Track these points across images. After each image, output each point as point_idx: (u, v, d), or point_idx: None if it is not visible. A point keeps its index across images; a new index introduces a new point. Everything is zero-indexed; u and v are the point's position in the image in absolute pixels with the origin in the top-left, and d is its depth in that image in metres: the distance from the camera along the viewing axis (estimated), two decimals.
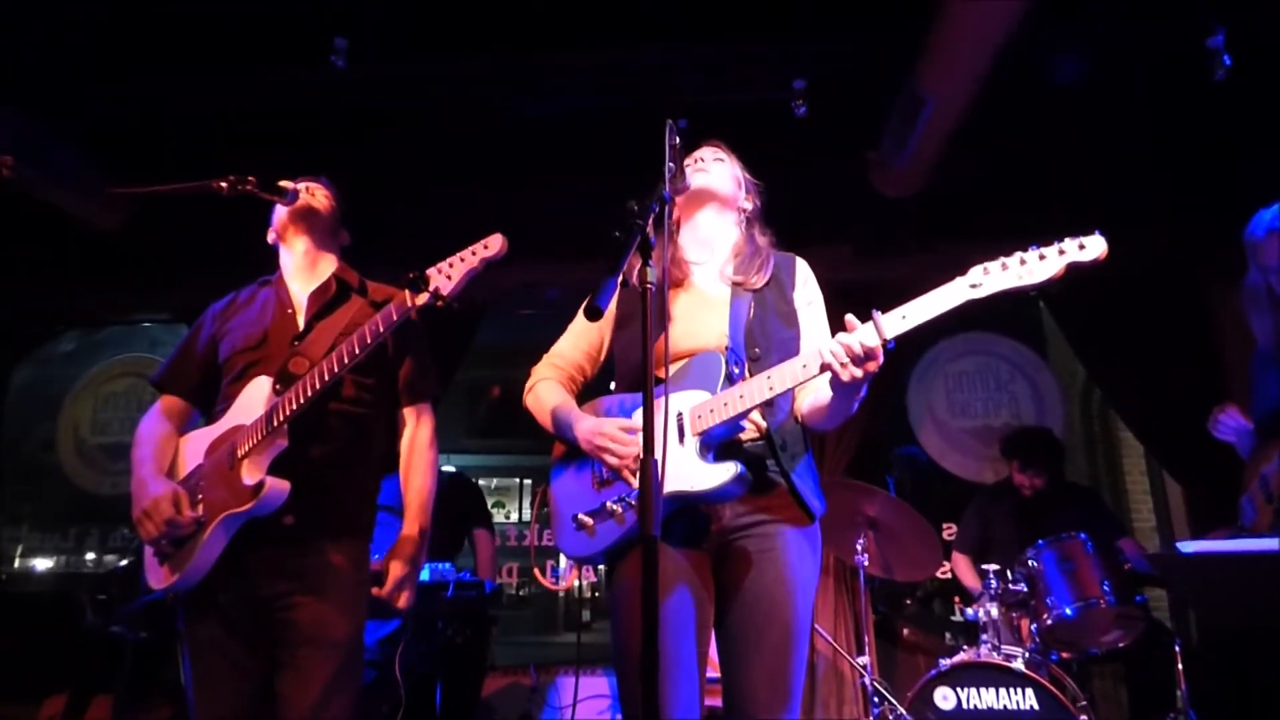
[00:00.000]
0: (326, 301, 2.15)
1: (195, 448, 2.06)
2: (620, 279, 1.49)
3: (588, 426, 1.85)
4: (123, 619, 3.52)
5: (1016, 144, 3.82)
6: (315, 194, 2.21)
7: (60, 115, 3.69)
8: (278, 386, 1.97)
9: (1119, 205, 4.13)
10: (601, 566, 1.93)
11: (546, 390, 2.03)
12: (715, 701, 1.92)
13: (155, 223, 4.26)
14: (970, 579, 4.11)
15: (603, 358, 2.09)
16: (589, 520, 1.83)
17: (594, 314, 1.44)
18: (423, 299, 1.81)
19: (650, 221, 1.56)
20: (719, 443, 1.78)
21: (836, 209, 4.06)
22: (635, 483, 1.74)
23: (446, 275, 1.81)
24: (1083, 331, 4.62)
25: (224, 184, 2.05)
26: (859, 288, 4.38)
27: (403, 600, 1.99)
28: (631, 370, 1.96)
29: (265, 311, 2.16)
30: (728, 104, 3.54)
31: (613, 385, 2.04)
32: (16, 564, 6.35)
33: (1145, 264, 4.46)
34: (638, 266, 1.50)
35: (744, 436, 1.83)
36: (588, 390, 2.11)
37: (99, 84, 3.63)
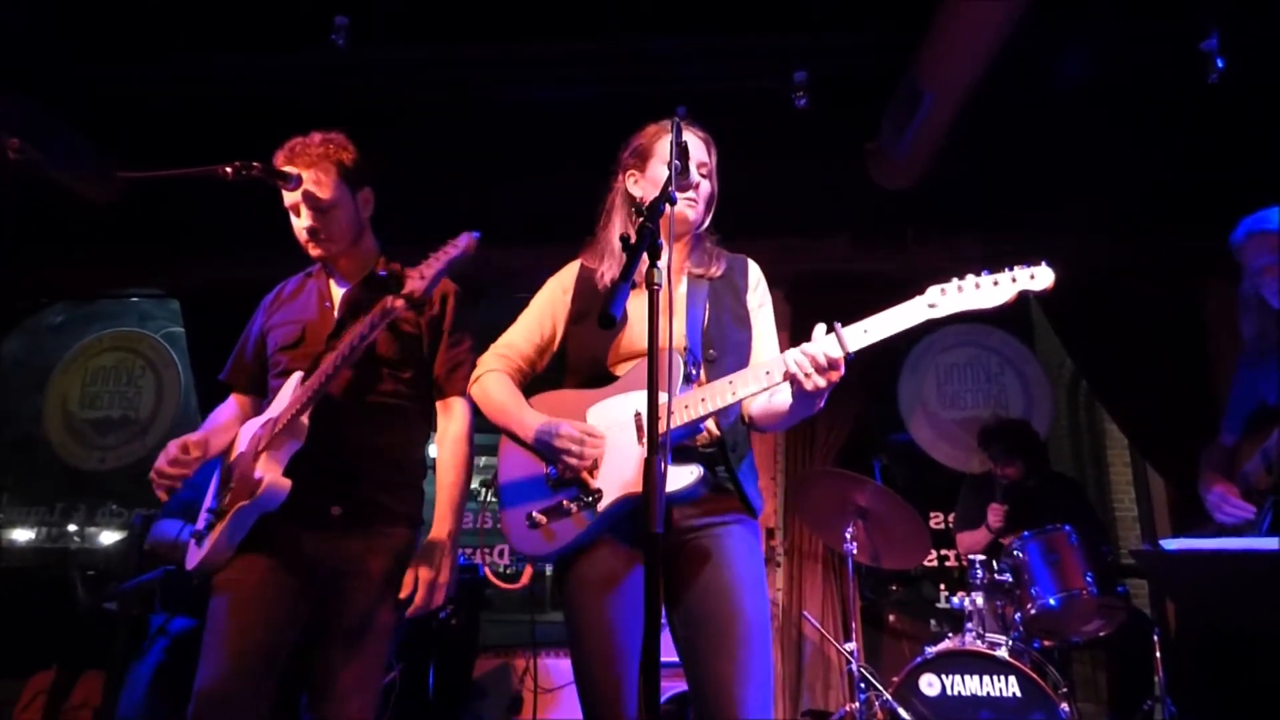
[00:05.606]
0: (356, 300, 2.13)
1: (246, 436, 2.10)
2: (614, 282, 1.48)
3: (541, 425, 1.82)
4: (116, 597, 3.53)
5: (1014, 138, 3.83)
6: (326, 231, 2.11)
7: (53, 91, 3.63)
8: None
9: (1112, 202, 4.16)
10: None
11: (493, 383, 1.98)
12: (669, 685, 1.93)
13: (147, 197, 4.20)
14: (980, 537, 4.03)
15: (554, 350, 2.05)
16: (543, 519, 1.79)
17: (609, 322, 1.42)
18: (400, 302, 1.82)
19: (659, 223, 1.57)
20: (675, 444, 1.77)
21: (834, 200, 4.06)
22: (595, 484, 1.75)
23: (420, 275, 1.81)
24: (1071, 326, 4.65)
25: (229, 169, 2.02)
26: (855, 278, 4.41)
27: (435, 602, 1.96)
28: (587, 366, 1.93)
29: (307, 307, 2.17)
30: (727, 94, 3.53)
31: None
32: None
33: (1136, 260, 4.51)
34: (645, 267, 1.50)
35: (698, 439, 1.82)
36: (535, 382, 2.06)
37: (92, 59, 3.58)
